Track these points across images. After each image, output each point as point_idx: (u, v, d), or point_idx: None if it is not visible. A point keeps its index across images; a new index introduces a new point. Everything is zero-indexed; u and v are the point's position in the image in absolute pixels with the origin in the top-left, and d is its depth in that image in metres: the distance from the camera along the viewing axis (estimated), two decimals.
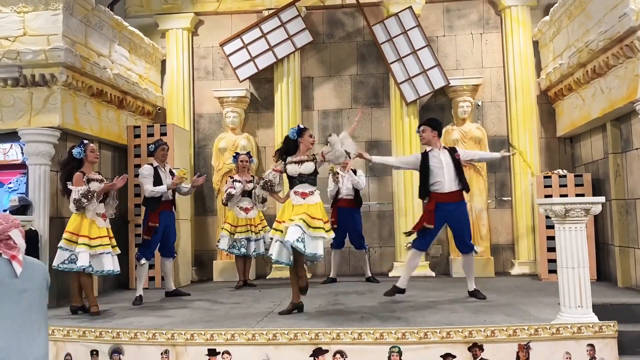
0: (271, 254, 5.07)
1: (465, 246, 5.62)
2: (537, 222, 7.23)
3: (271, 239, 5.21)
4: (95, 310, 5.36)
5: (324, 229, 4.99)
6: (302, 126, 5.32)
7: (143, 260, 6.04)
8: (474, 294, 5.70)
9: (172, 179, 6.19)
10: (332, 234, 5.22)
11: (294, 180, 5.18)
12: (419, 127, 5.79)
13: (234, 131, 8.35)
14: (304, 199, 5.07)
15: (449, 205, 5.44)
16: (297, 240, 4.77)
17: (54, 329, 4.46)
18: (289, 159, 5.21)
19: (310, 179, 5.17)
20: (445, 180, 5.45)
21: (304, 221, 4.87)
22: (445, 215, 5.48)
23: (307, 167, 5.13)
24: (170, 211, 6.35)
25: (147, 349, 4.24)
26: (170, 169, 6.47)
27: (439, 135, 5.73)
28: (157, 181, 6.15)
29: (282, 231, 5.00)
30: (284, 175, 5.33)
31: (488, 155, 6.58)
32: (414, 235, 5.61)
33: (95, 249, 5.31)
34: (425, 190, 5.53)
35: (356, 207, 7.18)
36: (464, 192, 5.56)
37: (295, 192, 5.10)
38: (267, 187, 5.31)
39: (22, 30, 5.97)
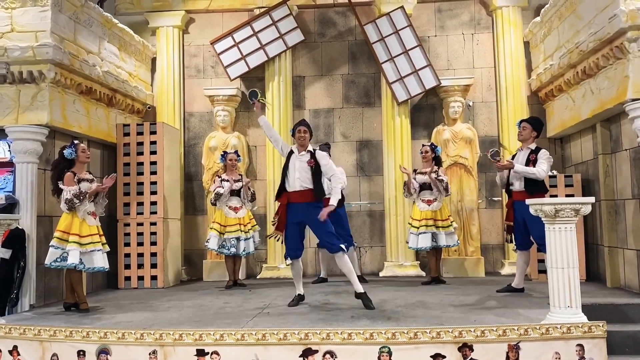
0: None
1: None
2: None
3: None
4: (85, 307, 5.44)
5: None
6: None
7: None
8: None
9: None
10: None
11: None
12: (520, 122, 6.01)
13: (224, 130, 8.30)
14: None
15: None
16: None
17: (40, 329, 4.41)
18: None
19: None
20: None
21: None
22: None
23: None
24: None
25: (134, 349, 4.19)
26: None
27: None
28: None
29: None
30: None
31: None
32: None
33: (86, 247, 5.35)
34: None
35: (341, 205, 6.92)
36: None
37: None
38: None
39: (10, 26, 5.90)
